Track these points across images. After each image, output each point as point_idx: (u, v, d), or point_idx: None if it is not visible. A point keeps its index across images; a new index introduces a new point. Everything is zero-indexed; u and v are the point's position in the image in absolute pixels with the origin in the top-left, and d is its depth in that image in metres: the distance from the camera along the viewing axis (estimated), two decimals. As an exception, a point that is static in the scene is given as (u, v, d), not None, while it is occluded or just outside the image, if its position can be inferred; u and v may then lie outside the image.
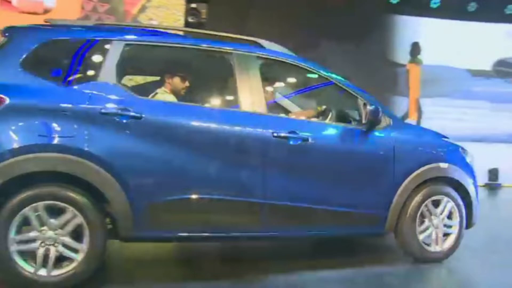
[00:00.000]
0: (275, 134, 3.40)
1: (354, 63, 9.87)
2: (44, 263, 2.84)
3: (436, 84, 11.52)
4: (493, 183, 10.98)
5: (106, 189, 3.02)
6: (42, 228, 2.87)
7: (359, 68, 9.84)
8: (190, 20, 7.95)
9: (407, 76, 11.39)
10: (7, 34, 3.19)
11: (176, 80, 3.89)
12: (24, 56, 3.07)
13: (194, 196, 3.25)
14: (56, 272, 2.87)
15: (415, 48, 11.42)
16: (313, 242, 4.63)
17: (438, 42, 11.32)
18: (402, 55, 11.39)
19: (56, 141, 2.95)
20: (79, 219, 2.92)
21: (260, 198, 3.39)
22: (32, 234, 2.85)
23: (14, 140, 2.88)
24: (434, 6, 11.54)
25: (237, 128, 3.38)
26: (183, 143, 3.25)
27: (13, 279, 2.84)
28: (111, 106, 3.08)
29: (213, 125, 3.34)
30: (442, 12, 11.50)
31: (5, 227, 2.79)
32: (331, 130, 3.76)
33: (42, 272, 2.83)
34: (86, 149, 2.97)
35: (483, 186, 10.43)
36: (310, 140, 3.52)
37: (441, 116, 11.33)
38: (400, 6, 11.34)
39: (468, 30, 11.60)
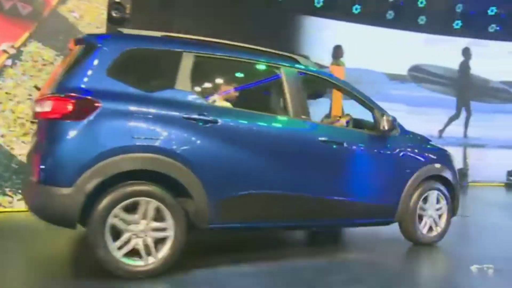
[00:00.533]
0: (320, 139, 4.03)
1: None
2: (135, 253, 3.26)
3: (357, 86, 11.92)
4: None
5: (190, 186, 3.41)
6: (135, 224, 3.27)
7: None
8: (113, 14, 7.67)
9: (330, 78, 11.75)
10: (89, 42, 3.52)
11: (227, 89, 4.38)
12: (109, 63, 3.37)
13: (256, 192, 3.74)
14: (151, 260, 3.30)
15: (338, 51, 11.82)
16: (237, 236, 4.85)
17: (359, 46, 11.81)
18: (325, 57, 11.74)
19: (147, 142, 3.30)
20: (169, 215, 3.34)
21: (310, 192, 3.99)
22: (127, 235, 3.25)
23: (110, 141, 3.22)
24: (356, 11, 12.05)
25: (291, 133, 3.98)
26: (248, 146, 3.72)
27: (108, 266, 3.19)
28: (191, 112, 3.50)
29: (271, 130, 3.91)
30: (363, 18, 12.05)
31: (103, 215, 3.17)
32: (358, 135, 4.45)
33: (143, 262, 3.27)
34: (173, 150, 3.36)
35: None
36: (344, 144, 4.21)
37: (362, 118, 11.83)
38: (324, 10, 11.71)
39: (387, 37, 12.23)
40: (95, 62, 3.40)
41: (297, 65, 4.23)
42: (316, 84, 4.77)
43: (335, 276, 3.70)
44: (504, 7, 13.07)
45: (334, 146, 4.15)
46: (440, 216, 4.83)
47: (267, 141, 3.84)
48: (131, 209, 3.26)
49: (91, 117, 3.20)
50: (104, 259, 3.19)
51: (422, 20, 12.73)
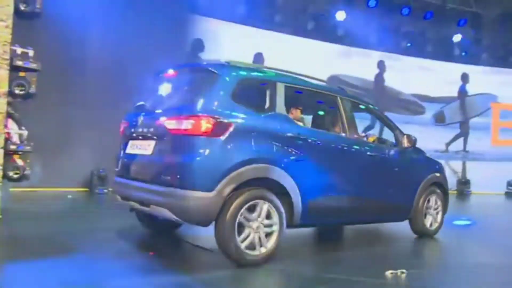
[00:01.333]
0: (368, 154, 5.27)
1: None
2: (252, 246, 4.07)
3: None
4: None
5: (292, 191, 4.32)
6: (253, 221, 4.08)
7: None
8: (22, 8, 7.30)
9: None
10: (207, 70, 4.30)
11: (297, 112, 5.14)
12: (232, 90, 4.14)
13: (335, 195, 4.83)
14: (263, 250, 4.13)
15: (259, 58, 12.00)
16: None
17: (279, 54, 12.06)
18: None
19: (264, 155, 4.18)
20: (275, 214, 4.20)
21: (364, 195, 5.17)
22: (247, 230, 4.05)
23: (240, 155, 4.01)
24: (277, 20, 12.34)
25: (352, 148, 5.13)
26: (327, 158, 4.79)
27: (232, 256, 4.01)
28: (291, 131, 4.46)
29: (340, 146, 5.03)
30: (284, 27, 12.35)
31: (234, 213, 3.95)
32: (387, 150, 5.66)
33: (258, 251, 4.09)
34: (280, 161, 4.27)
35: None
36: (381, 157, 5.48)
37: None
38: (246, 18, 11.85)
39: (306, 46, 12.60)
40: (222, 88, 4.15)
41: (347, 95, 5.53)
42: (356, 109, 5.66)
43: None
44: (415, 26, 14.05)
45: (375, 159, 5.37)
46: (437, 214, 6.17)
47: (339, 155, 4.99)
48: (250, 209, 4.07)
49: (226, 135, 3.97)
50: (233, 251, 3.96)
51: (340, 32, 13.30)
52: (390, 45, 13.84)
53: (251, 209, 4.06)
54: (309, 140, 4.62)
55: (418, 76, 14.26)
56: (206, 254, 4.62)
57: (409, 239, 5.98)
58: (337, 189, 4.86)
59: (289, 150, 4.39)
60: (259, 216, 4.10)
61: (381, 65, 13.95)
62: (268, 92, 4.49)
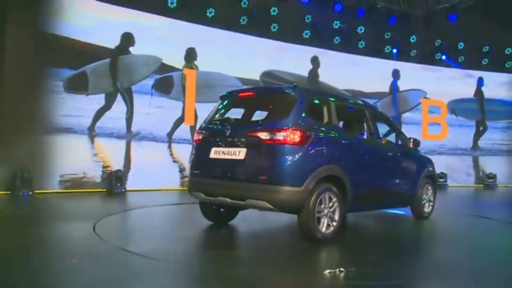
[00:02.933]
0: (388, 154, 6.93)
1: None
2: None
3: (210, 90, 12.24)
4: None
5: (347, 184, 5.70)
6: (324, 206, 5.45)
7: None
8: None
9: (183, 81, 11.83)
10: (285, 93, 5.75)
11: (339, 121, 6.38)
12: (305, 108, 5.53)
13: (371, 187, 6.34)
14: (327, 231, 5.49)
15: (191, 54, 11.97)
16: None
17: (212, 49, 12.08)
18: (178, 60, 11.80)
19: (331, 158, 5.61)
20: (336, 202, 5.57)
21: (386, 185, 6.82)
22: (321, 207, 5.43)
23: (318, 158, 5.46)
24: (210, 15, 12.33)
25: (380, 151, 6.76)
26: (365, 158, 6.34)
27: (312, 233, 5.36)
28: (342, 138, 6.02)
29: (373, 149, 6.62)
30: (217, 22, 12.35)
31: (314, 203, 5.30)
32: (399, 150, 7.29)
33: (323, 230, 5.45)
34: (340, 161, 5.71)
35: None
36: (395, 155, 7.09)
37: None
38: (178, 11, 11.78)
39: (240, 42, 12.67)
40: (300, 107, 5.50)
41: (371, 107, 7.35)
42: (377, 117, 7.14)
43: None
44: (347, 23, 14.47)
45: (393, 158, 6.99)
46: (430, 201, 7.86)
47: (373, 155, 6.48)
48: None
49: (307, 143, 5.35)
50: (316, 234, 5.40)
51: (274, 27, 13.47)
52: (324, 41, 14.17)
53: (321, 200, 5.41)
54: (355, 145, 6.23)
55: (351, 72, 14.66)
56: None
57: (345, 236, 6.23)
58: (372, 182, 6.36)
59: (344, 152, 5.83)
60: (326, 204, 5.47)
61: (315, 60, 14.22)
62: (327, 110, 5.90)
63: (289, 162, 5.20)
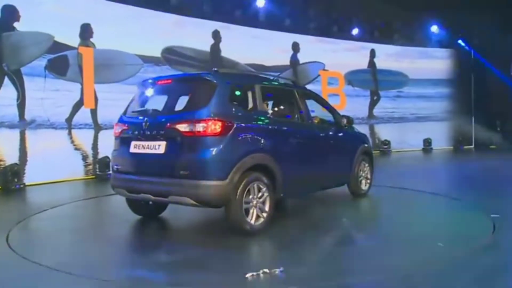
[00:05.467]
0: (320, 134, 6.84)
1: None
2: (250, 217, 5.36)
3: (109, 69, 11.52)
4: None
5: (276, 173, 5.58)
6: (253, 197, 5.35)
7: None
8: None
9: (80, 60, 10.94)
10: (204, 79, 5.43)
11: (265, 105, 6.22)
12: (228, 95, 5.36)
13: (304, 172, 6.27)
14: (257, 223, 5.38)
15: (86, 31, 11.10)
16: None
17: (108, 25, 11.30)
18: (71, 37, 10.86)
19: (257, 146, 5.44)
20: (266, 192, 5.47)
21: (323, 167, 6.75)
22: (250, 198, 5.33)
23: (242, 148, 5.26)
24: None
25: (311, 133, 6.60)
26: (295, 142, 6.17)
27: (241, 226, 5.25)
28: (270, 124, 5.78)
29: (303, 132, 6.44)
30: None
31: (241, 194, 5.17)
32: (331, 129, 7.22)
33: (251, 221, 5.34)
34: (268, 149, 5.54)
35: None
36: (327, 135, 7.07)
37: (117, 104, 11.36)
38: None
39: (137, 16, 12.00)
40: (221, 94, 5.24)
41: (300, 87, 7.35)
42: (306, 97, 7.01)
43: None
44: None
45: (325, 138, 6.94)
46: (367, 177, 7.91)
47: (303, 139, 6.35)
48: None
49: (230, 133, 5.10)
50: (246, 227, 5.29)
51: (173, 1, 12.93)
52: (224, 15, 13.96)
53: (249, 191, 5.26)
54: (283, 129, 6.05)
55: (253, 45, 14.69)
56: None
57: (277, 225, 5.93)
58: (305, 167, 6.28)
59: (272, 139, 5.64)
60: (254, 194, 5.33)
61: (216, 35, 13.98)
62: (252, 94, 5.74)
63: (210, 155, 4.98)
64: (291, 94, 6.56)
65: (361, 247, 5.17)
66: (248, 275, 3.88)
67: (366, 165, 7.89)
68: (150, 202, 5.98)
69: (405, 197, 8.23)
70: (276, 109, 6.79)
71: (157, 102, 5.89)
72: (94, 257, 4.82)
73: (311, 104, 7.04)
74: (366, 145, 7.97)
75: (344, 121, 7.30)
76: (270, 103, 6.88)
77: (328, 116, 7.43)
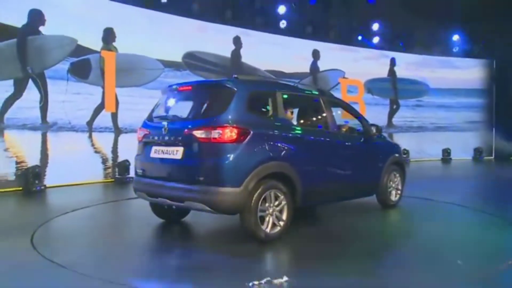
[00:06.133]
0: (345, 144, 6.63)
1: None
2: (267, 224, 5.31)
3: (131, 73, 11.55)
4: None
5: (296, 181, 5.50)
6: (269, 205, 5.28)
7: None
8: None
9: (102, 64, 10.98)
10: (224, 86, 5.39)
11: (289, 114, 6.37)
12: (246, 102, 5.27)
13: (326, 181, 6.16)
14: (273, 231, 5.32)
15: (109, 35, 11.15)
16: None
17: (131, 30, 11.34)
18: (95, 41, 10.91)
19: (275, 154, 5.35)
20: (284, 200, 5.40)
21: (347, 177, 6.57)
22: (266, 206, 5.26)
23: (259, 155, 5.17)
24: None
25: (336, 142, 6.45)
26: (316, 151, 6.09)
27: (255, 233, 5.17)
28: (291, 132, 5.74)
29: (326, 140, 6.34)
30: (136, 0, 11.57)
31: (257, 202, 5.12)
32: (358, 138, 7.03)
33: (267, 230, 5.26)
34: (286, 157, 5.46)
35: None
36: (354, 144, 6.85)
37: (137, 108, 11.45)
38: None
39: (160, 21, 12.04)
40: (239, 101, 5.20)
41: (327, 94, 7.01)
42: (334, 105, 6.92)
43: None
44: (268, 1, 14.33)
45: (351, 148, 6.73)
46: (397, 188, 7.67)
47: (326, 148, 6.28)
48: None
49: (246, 140, 5.06)
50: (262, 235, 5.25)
51: (195, 7, 12.94)
52: (245, 20, 13.94)
53: (265, 199, 5.22)
54: (305, 138, 5.92)
55: (273, 52, 14.62)
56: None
57: (296, 235, 5.89)
58: (327, 176, 6.19)
59: (292, 147, 5.57)
60: (271, 202, 5.28)
61: (237, 41, 13.94)
62: (273, 101, 5.66)
63: (225, 161, 4.95)
64: (317, 101, 6.48)
65: (378, 264, 4.87)
66: (251, 283, 3.85)
67: (397, 175, 7.64)
68: (174, 207, 5.90)
69: (432, 209, 8.01)
70: (299, 116, 6.69)
71: (180, 108, 5.95)
72: (105, 258, 4.95)
73: (345, 115, 7.06)
74: (397, 155, 7.69)
75: (373, 130, 7.12)
76: (296, 110, 6.80)
77: (360, 125, 7.28)
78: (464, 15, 15.86)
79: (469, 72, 19.07)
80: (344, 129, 6.93)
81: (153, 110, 6.12)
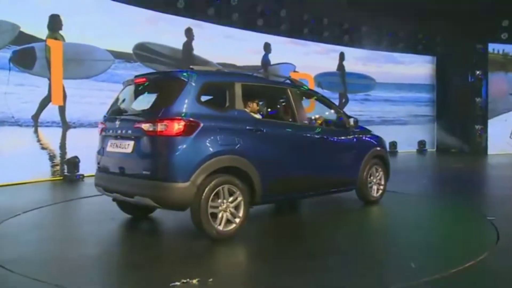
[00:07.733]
0: (315, 136, 6.22)
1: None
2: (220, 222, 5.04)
3: (79, 64, 10.75)
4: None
5: (253, 176, 5.25)
6: (222, 201, 5.04)
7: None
8: None
9: (48, 53, 10.11)
10: (175, 77, 5.26)
11: (254, 105, 6.09)
12: (196, 93, 5.06)
13: (290, 176, 5.81)
14: (226, 228, 5.07)
15: (55, 22, 10.28)
16: None
17: (79, 18, 10.52)
18: (40, 29, 10.03)
19: (229, 148, 5.10)
20: (240, 196, 5.15)
21: (317, 173, 6.22)
22: (218, 202, 5.03)
23: (208, 149, 4.92)
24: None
25: (303, 134, 6.13)
26: (280, 144, 5.75)
27: (205, 230, 4.93)
28: (249, 125, 5.41)
29: (293, 133, 6.01)
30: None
31: (207, 198, 4.86)
32: (333, 131, 6.71)
33: (219, 227, 5.02)
34: (242, 151, 5.19)
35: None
36: (327, 138, 6.43)
37: (86, 100, 10.74)
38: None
39: (110, 10, 11.31)
40: (189, 93, 4.98)
41: (296, 85, 6.54)
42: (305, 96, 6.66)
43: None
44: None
45: (324, 141, 6.33)
46: (379, 183, 7.25)
47: (291, 141, 5.92)
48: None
49: (195, 133, 4.84)
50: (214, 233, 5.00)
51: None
52: (198, 12, 13.42)
53: (218, 194, 4.96)
54: (264, 130, 5.50)
55: (225, 44, 14.19)
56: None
57: (256, 231, 5.81)
58: (291, 171, 5.80)
59: (249, 141, 5.26)
60: (224, 198, 5.01)
61: (189, 32, 13.39)
62: (230, 92, 5.35)
63: (172, 155, 4.76)
64: (283, 93, 6.21)
65: (326, 263, 4.50)
66: (173, 284, 3.70)
67: (379, 170, 7.22)
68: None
69: (405, 202, 7.91)
70: (262, 108, 6.42)
71: (137, 101, 5.78)
72: (50, 258, 4.74)
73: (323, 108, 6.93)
74: (378, 148, 7.26)
75: (351, 122, 6.81)
76: (262, 103, 6.49)
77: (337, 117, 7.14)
78: (410, 12, 16.16)
79: (412, 68, 19.51)
80: (319, 122, 6.65)
81: (112, 104, 5.96)
